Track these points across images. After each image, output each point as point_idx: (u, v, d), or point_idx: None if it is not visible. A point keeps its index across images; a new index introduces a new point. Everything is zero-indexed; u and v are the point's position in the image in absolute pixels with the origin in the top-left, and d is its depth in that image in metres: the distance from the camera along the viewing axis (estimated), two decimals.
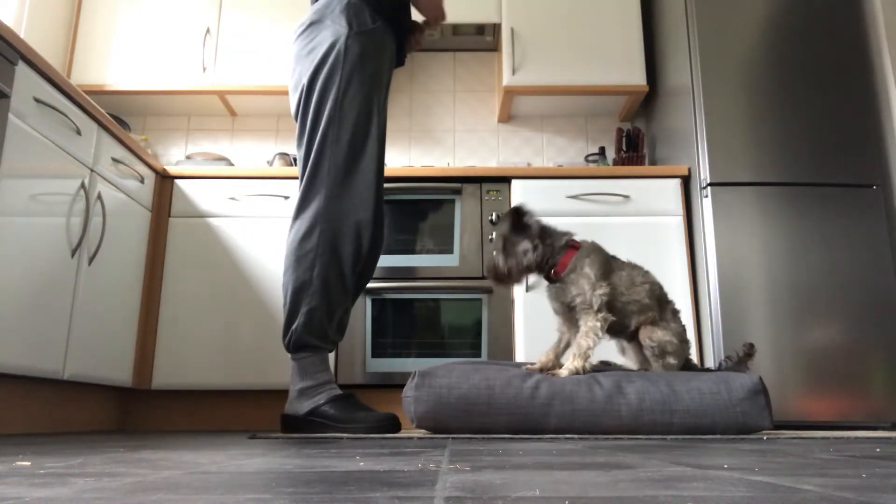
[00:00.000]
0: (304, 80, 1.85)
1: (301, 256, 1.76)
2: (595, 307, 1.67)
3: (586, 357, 1.66)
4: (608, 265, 1.74)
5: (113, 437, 1.76)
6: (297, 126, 1.89)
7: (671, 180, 2.66)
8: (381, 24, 1.87)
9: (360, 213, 1.77)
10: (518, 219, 1.72)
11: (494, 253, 1.76)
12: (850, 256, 2.43)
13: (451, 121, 3.43)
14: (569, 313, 1.76)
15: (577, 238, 1.77)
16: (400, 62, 2.09)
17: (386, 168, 2.73)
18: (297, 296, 1.75)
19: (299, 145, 1.86)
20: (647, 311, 1.74)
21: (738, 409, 1.58)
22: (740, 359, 1.81)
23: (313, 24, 1.87)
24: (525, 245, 1.71)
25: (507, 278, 1.75)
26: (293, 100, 1.91)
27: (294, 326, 1.75)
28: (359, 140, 1.79)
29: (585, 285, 1.68)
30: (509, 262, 1.71)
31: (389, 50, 1.92)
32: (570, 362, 1.67)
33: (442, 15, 2.02)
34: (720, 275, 2.41)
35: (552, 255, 1.73)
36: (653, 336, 1.72)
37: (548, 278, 1.76)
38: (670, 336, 1.72)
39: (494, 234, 1.74)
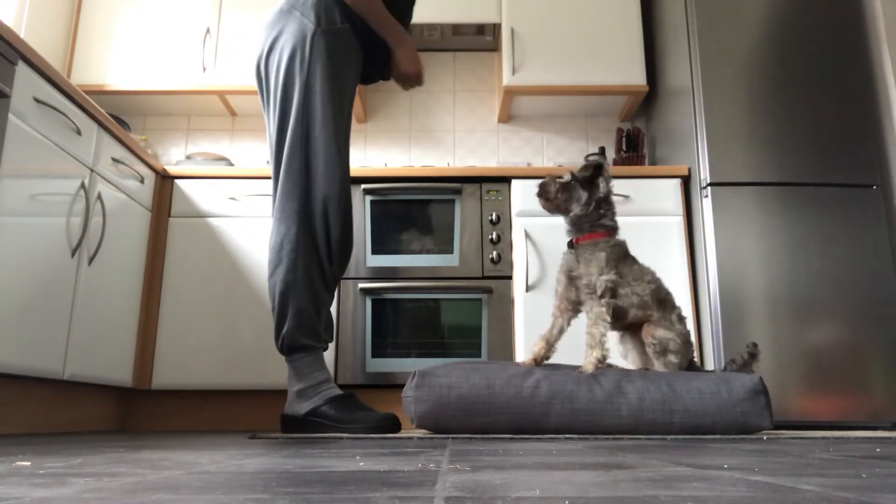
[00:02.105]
0: (271, 74, 1.85)
1: (284, 257, 1.76)
2: (599, 292, 1.69)
3: (602, 345, 1.69)
4: (623, 259, 1.78)
5: (113, 437, 1.76)
6: (264, 117, 1.90)
7: (671, 180, 2.66)
8: (350, 26, 1.86)
9: (327, 190, 1.77)
10: (596, 174, 1.81)
11: (555, 180, 1.85)
12: (850, 256, 2.43)
13: (451, 121, 3.43)
14: (568, 291, 1.78)
15: (619, 234, 1.85)
16: (370, 79, 2.07)
17: (386, 168, 2.74)
18: (284, 297, 1.76)
19: (270, 141, 1.87)
20: (646, 309, 1.75)
21: (738, 409, 1.58)
22: (745, 361, 1.81)
23: (283, 14, 1.86)
24: (583, 196, 1.81)
25: (550, 202, 1.86)
26: (258, 85, 1.92)
27: (285, 329, 1.75)
28: (327, 137, 1.79)
29: (594, 268, 1.72)
30: (561, 195, 1.83)
31: (356, 52, 1.90)
32: (590, 355, 1.69)
33: (417, 78, 1.99)
34: (720, 275, 2.41)
35: (590, 223, 1.80)
36: (655, 334, 1.73)
37: (570, 242, 1.83)
38: (673, 335, 1.72)
39: (569, 172, 1.86)
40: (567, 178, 1.84)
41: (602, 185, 1.80)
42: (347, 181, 1.83)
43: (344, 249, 1.83)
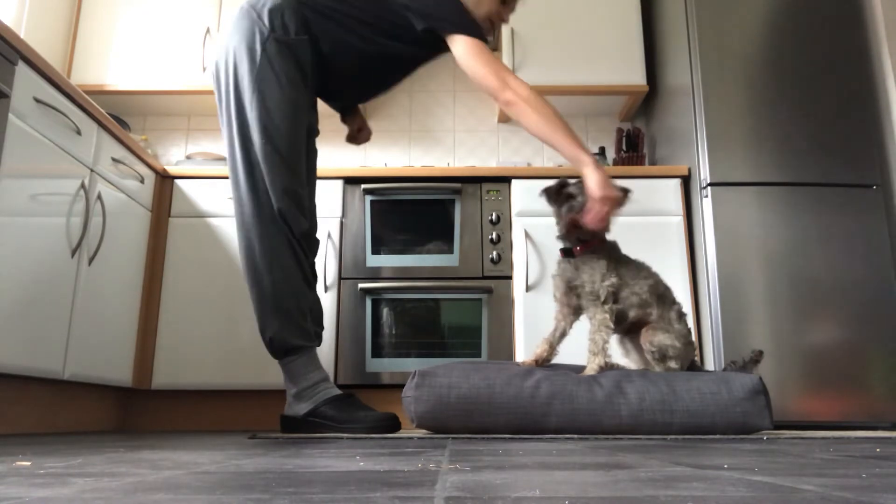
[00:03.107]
0: (220, 76, 1.82)
1: (258, 261, 1.74)
2: (602, 298, 1.69)
3: (605, 351, 1.69)
4: (620, 260, 1.78)
5: (113, 437, 1.76)
6: (219, 119, 1.86)
7: (671, 180, 2.66)
8: (307, 39, 1.79)
9: (280, 193, 1.74)
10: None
11: (577, 207, 1.73)
12: (850, 256, 2.43)
13: (451, 121, 3.43)
14: (568, 298, 1.78)
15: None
16: (331, 99, 2.04)
17: (386, 168, 2.74)
18: (262, 302, 1.75)
19: (224, 144, 1.84)
20: (647, 307, 1.75)
21: (738, 409, 1.58)
22: (746, 363, 1.80)
23: (243, 13, 1.82)
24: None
25: (575, 235, 1.75)
26: (214, 86, 1.87)
27: (273, 333, 1.74)
28: (279, 143, 1.75)
29: (596, 274, 1.71)
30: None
31: (308, 65, 1.82)
32: (592, 361, 1.68)
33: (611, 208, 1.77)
34: (720, 275, 2.41)
35: (593, 234, 1.77)
36: (654, 340, 1.72)
37: (568, 251, 1.78)
38: (672, 340, 1.72)
39: (576, 194, 1.75)
40: (568, 200, 1.75)
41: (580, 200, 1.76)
42: (298, 183, 1.79)
43: (310, 242, 1.83)
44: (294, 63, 1.78)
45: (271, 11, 1.78)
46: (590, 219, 1.66)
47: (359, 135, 2.18)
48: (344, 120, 2.17)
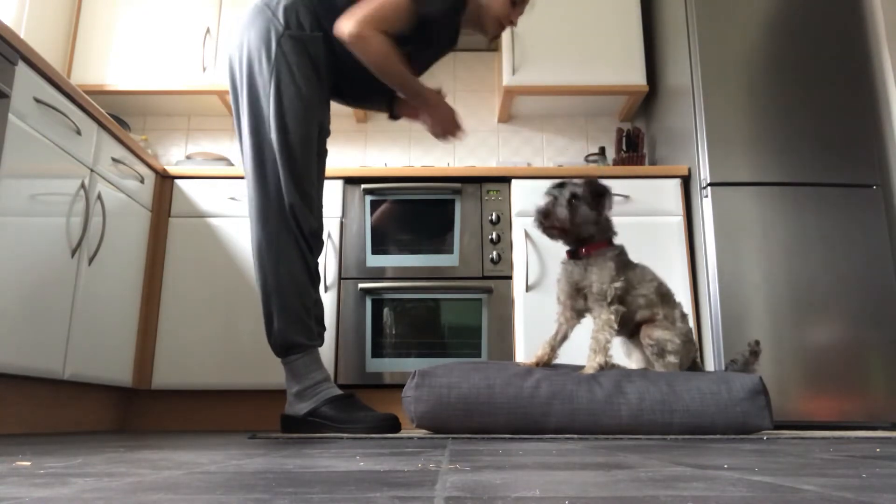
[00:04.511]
0: (236, 73, 1.82)
1: (266, 257, 1.76)
2: (608, 299, 1.70)
3: (606, 350, 1.69)
4: (627, 264, 1.79)
5: (113, 437, 1.76)
6: (233, 115, 1.86)
7: (671, 180, 2.66)
8: (322, 35, 1.80)
9: (292, 191, 1.75)
10: (599, 195, 1.76)
11: (553, 201, 1.76)
12: (850, 256, 2.43)
13: None
14: (573, 300, 1.78)
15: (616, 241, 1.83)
16: (351, 100, 2.05)
17: (386, 168, 2.74)
18: (268, 298, 1.76)
19: (238, 141, 1.85)
20: (653, 307, 1.76)
21: (738, 408, 1.58)
22: (746, 360, 1.81)
23: (256, 11, 1.82)
24: (590, 215, 1.75)
25: (555, 227, 1.76)
26: (229, 84, 1.86)
27: (276, 329, 1.75)
28: (292, 141, 1.76)
29: (605, 275, 1.72)
30: (574, 218, 1.74)
31: (324, 62, 1.83)
32: (592, 359, 1.69)
33: (454, 133, 1.97)
34: (720, 275, 2.41)
35: (592, 235, 1.78)
36: (652, 335, 1.73)
37: (574, 253, 1.78)
38: (670, 335, 1.73)
39: (563, 188, 1.77)
40: (566, 193, 1.76)
41: (607, 205, 1.78)
42: (309, 182, 1.80)
43: (318, 240, 1.84)
44: (308, 60, 1.79)
45: (286, 9, 1.79)
46: (431, 130, 1.95)
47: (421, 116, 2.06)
48: (393, 116, 2.16)
